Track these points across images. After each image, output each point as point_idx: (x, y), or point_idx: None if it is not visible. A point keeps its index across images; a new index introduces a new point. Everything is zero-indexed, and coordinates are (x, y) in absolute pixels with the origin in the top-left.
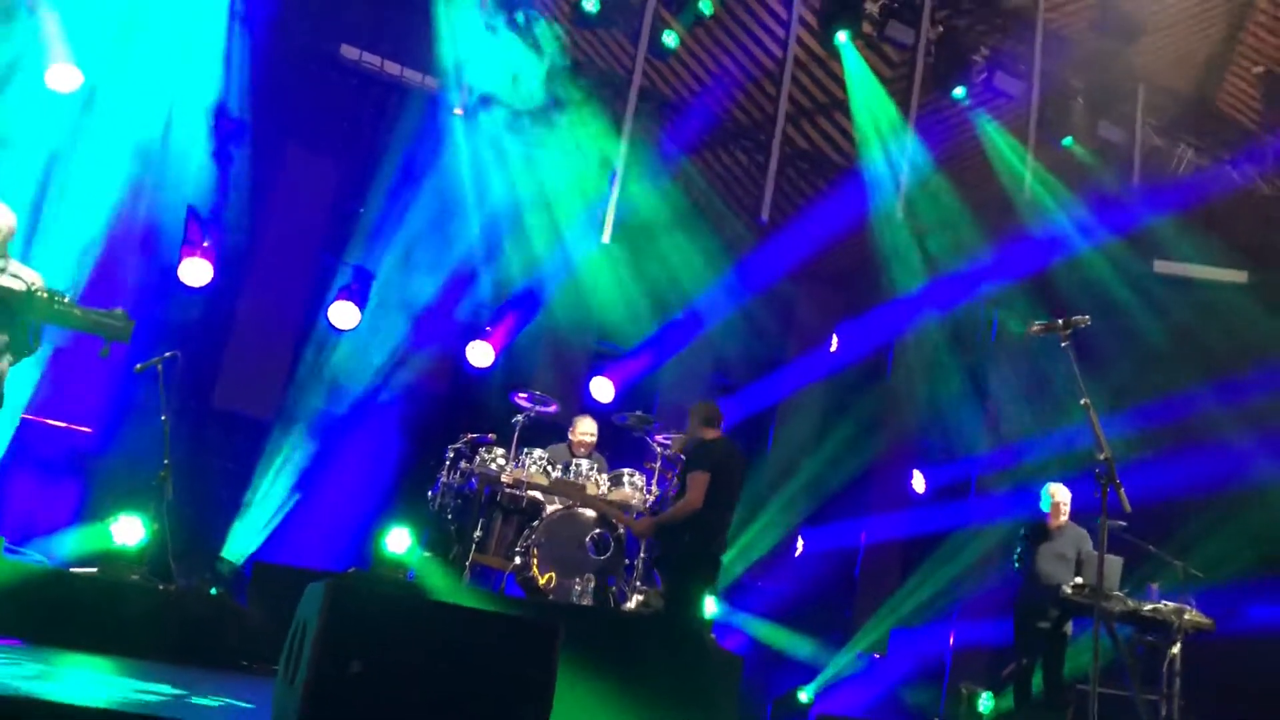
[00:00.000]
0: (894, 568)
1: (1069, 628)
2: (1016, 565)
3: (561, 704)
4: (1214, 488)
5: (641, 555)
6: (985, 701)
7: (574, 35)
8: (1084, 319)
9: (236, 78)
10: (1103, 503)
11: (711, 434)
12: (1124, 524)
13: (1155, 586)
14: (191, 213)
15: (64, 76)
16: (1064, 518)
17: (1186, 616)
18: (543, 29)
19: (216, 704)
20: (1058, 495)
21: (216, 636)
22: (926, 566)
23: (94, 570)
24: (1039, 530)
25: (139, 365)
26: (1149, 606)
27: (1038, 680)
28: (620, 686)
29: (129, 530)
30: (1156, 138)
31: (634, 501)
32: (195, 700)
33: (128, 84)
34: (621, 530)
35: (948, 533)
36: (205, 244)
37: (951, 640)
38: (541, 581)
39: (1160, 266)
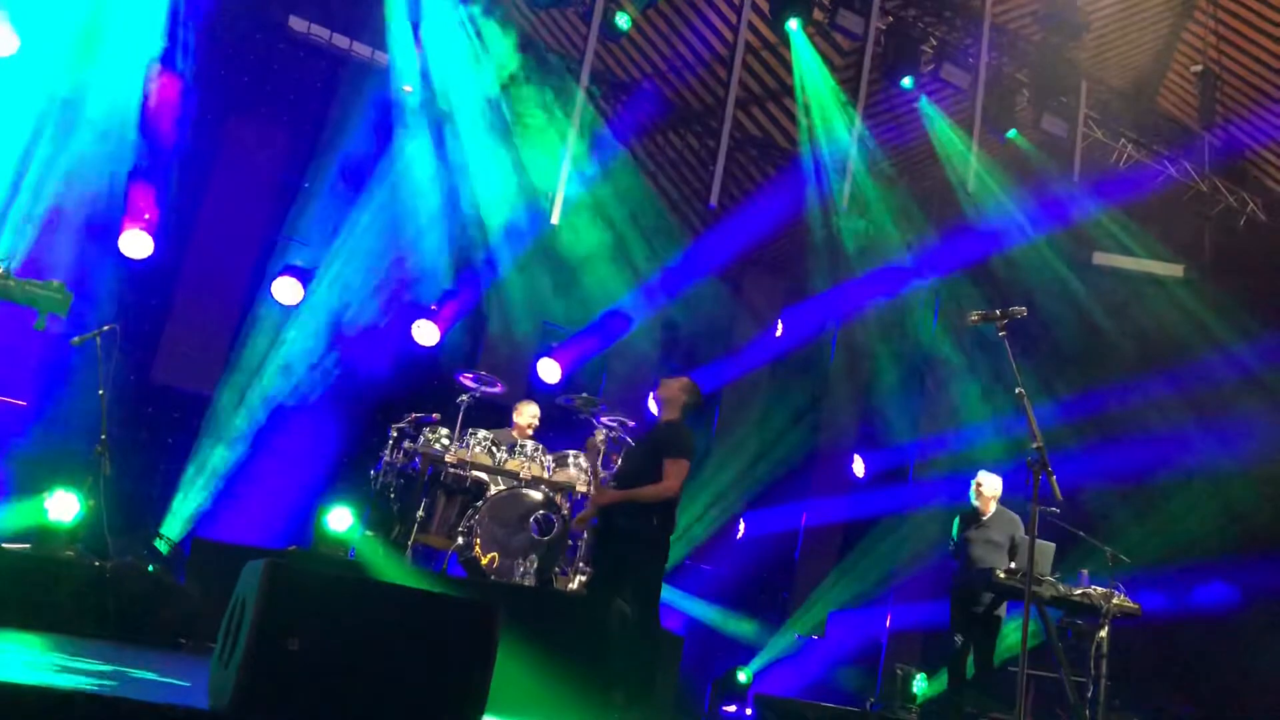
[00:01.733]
0: (832, 551)
1: (1002, 611)
2: (951, 549)
3: (501, 684)
4: (1145, 475)
5: (585, 536)
6: (919, 683)
7: (526, 15)
8: (1021, 310)
9: (181, 38)
10: (1034, 490)
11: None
12: (1055, 510)
13: (1085, 572)
14: (132, 182)
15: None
16: (993, 505)
17: (1114, 601)
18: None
19: (152, 678)
20: (982, 484)
21: (153, 614)
22: (864, 550)
23: (26, 546)
24: (971, 516)
25: (76, 338)
26: (1079, 591)
27: (971, 662)
28: (560, 666)
29: (64, 505)
30: (1098, 132)
31: (579, 484)
32: (131, 676)
33: (64, 46)
34: (566, 509)
35: (885, 517)
36: (146, 216)
37: (888, 622)
38: (484, 562)
39: (1099, 258)
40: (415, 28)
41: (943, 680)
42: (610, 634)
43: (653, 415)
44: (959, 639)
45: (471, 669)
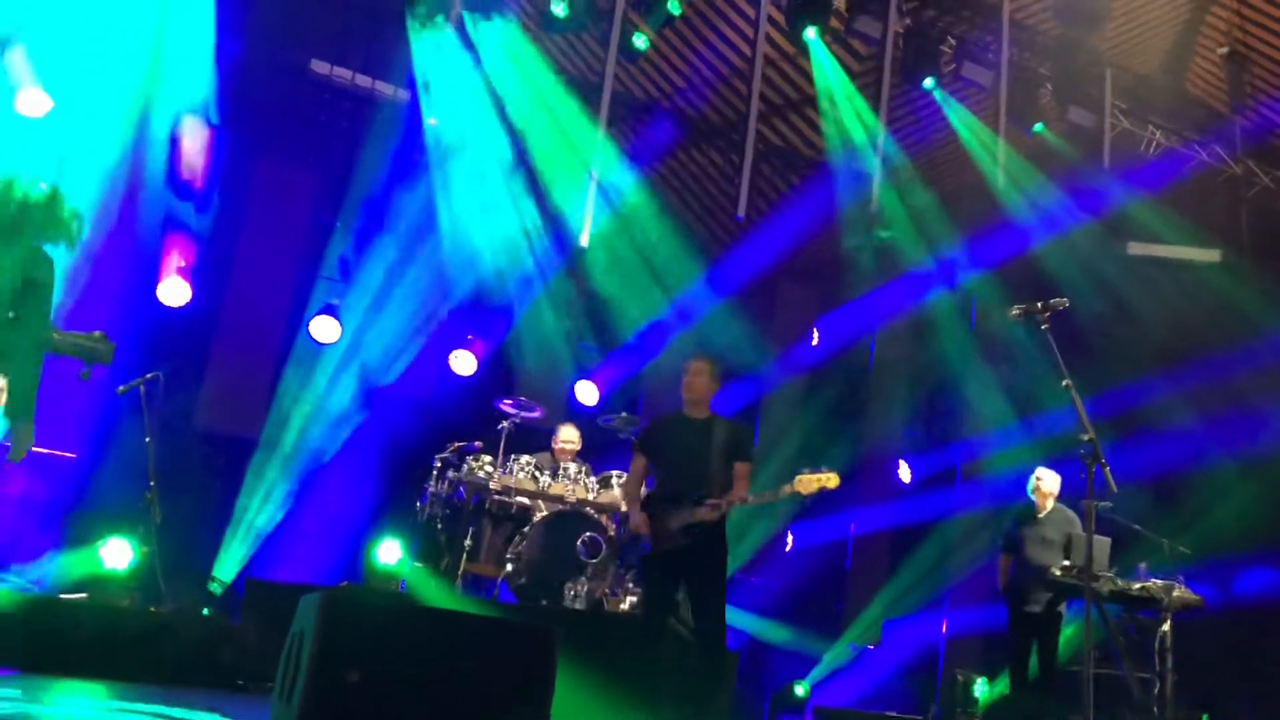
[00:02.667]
0: (884, 558)
1: (1062, 609)
2: (1001, 545)
3: (559, 707)
4: (1198, 465)
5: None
6: (980, 687)
7: (544, 40)
8: (1062, 301)
9: (213, 90)
10: (1088, 483)
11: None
12: (1110, 504)
13: (1143, 566)
14: (167, 231)
15: (33, 101)
16: (1050, 502)
17: (1175, 594)
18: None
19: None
20: (1042, 480)
21: (211, 657)
22: (916, 556)
23: (84, 596)
24: (1026, 515)
25: (121, 387)
26: (1138, 585)
27: (1033, 663)
28: (616, 688)
29: (118, 554)
30: (1126, 121)
31: (623, 504)
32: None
33: (94, 105)
34: (612, 530)
35: (935, 521)
36: (182, 263)
37: (944, 628)
38: (533, 587)
39: (1135, 248)
40: (436, 60)
41: (1004, 683)
42: (667, 652)
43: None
44: (1019, 640)
45: (531, 694)
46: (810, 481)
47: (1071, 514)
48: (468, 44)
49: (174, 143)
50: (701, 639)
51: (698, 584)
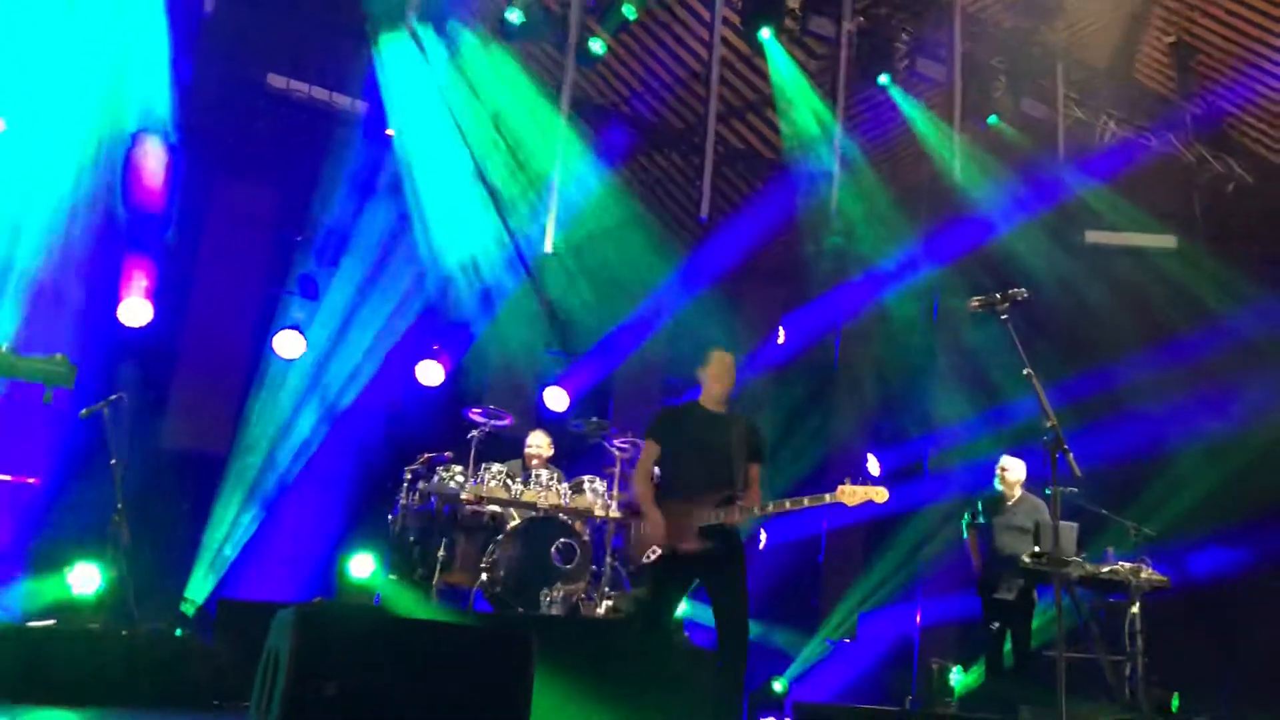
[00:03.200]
0: (857, 552)
1: (1034, 596)
2: (966, 523)
3: (541, 713)
4: (1161, 448)
5: (609, 561)
6: (956, 675)
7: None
8: (1021, 292)
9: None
10: (1053, 470)
11: None
12: (1075, 490)
13: (1110, 549)
14: (128, 251)
15: None
16: (1018, 490)
17: (1142, 575)
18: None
19: None
20: (1007, 470)
21: (186, 678)
22: (888, 548)
23: (52, 622)
24: (995, 503)
25: (84, 410)
26: (1106, 569)
27: (1008, 651)
28: (596, 692)
29: (86, 578)
30: (1079, 111)
31: (596, 508)
32: None
33: (49, 126)
34: (587, 536)
35: (905, 513)
36: (143, 283)
37: (918, 619)
38: (509, 595)
39: (1091, 237)
40: (393, 71)
41: (980, 671)
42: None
43: None
44: (993, 628)
45: (510, 699)
46: (856, 493)
47: (1040, 501)
48: (424, 53)
49: (131, 162)
50: (729, 642)
51: (719, 587)
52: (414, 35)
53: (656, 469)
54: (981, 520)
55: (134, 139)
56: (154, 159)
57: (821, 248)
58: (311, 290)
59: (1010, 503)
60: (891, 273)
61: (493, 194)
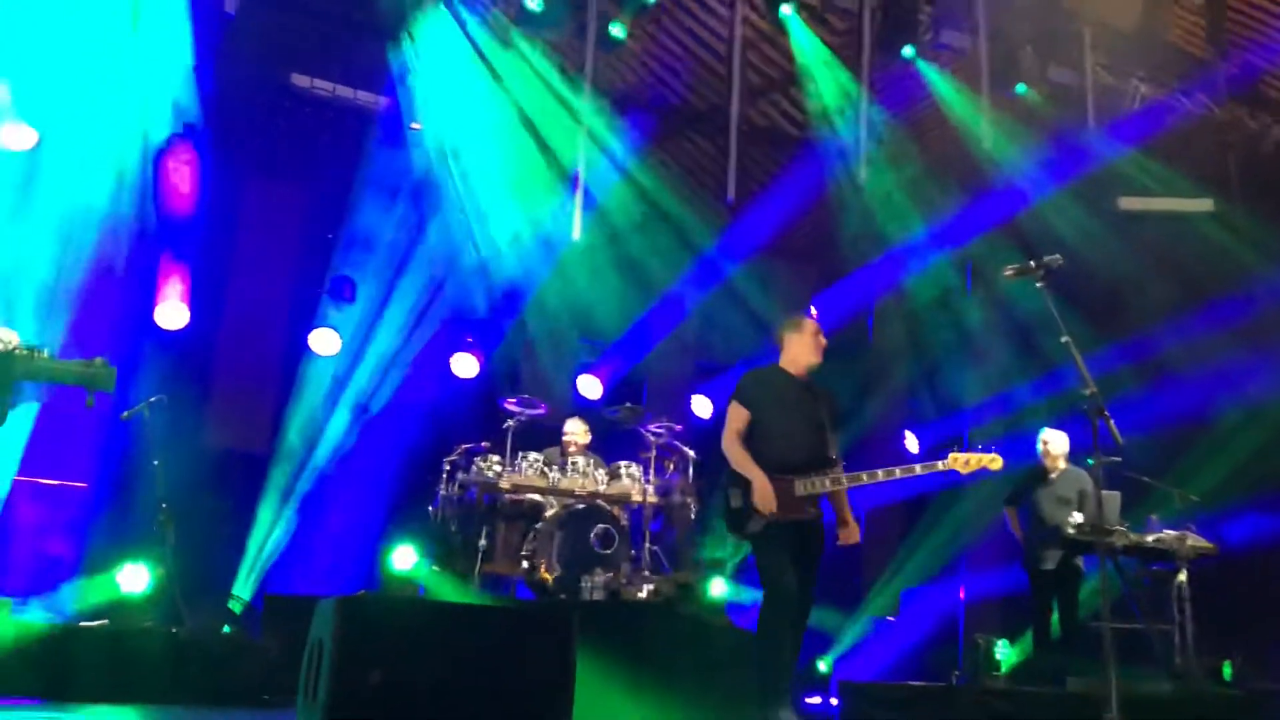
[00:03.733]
0: (897, 529)
1: (1081, 567)
2: (1005, 499)
3: (584, 698)
4: (1204, 413)
5: (648, 546)
6: (1002, 649)
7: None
8: (1056, 259)
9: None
10: (1094, 437)
11: None
12: (1118, 459)
13: (1155, 517)
14: (162, 255)
15: (17, 135)
16: (1061, 463)
17: (1189, 543)
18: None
19: None
20: (1049, 442)
21: (235, 674)
22: (929, 524)
23: (104, 622)
24: (1038, 475)
25: (126, 413)
26: (1151, 537)
27: (1055, 623)
28: (639, 677)
29: (135, 578)
30: (1108, 76)
31: (634, 494)
32: None
33: (80, 135)
34: (625, 521)
35: (946, 489)
36: (179, 286)
37: (962, 594)
38: (551, 582)
39: (1125, 203)
40: (416, 65)
41: (1027, 644)
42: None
43: (699, 419)
44: (1039, 600)
45: (553, 678)
46: (970, 461)
47: (1083, 472)
48: (445, 46)
49: (161, 166)
50: (800, 619)
51: (808, 560)
52: (434, 29)
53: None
54: (1023, 490)
55: (163, 145)
56: (183, 165)
57: (851, 229)
58: (348, 292)
59: (1053, 475)
60: (923, 247)
61: (519, 184)
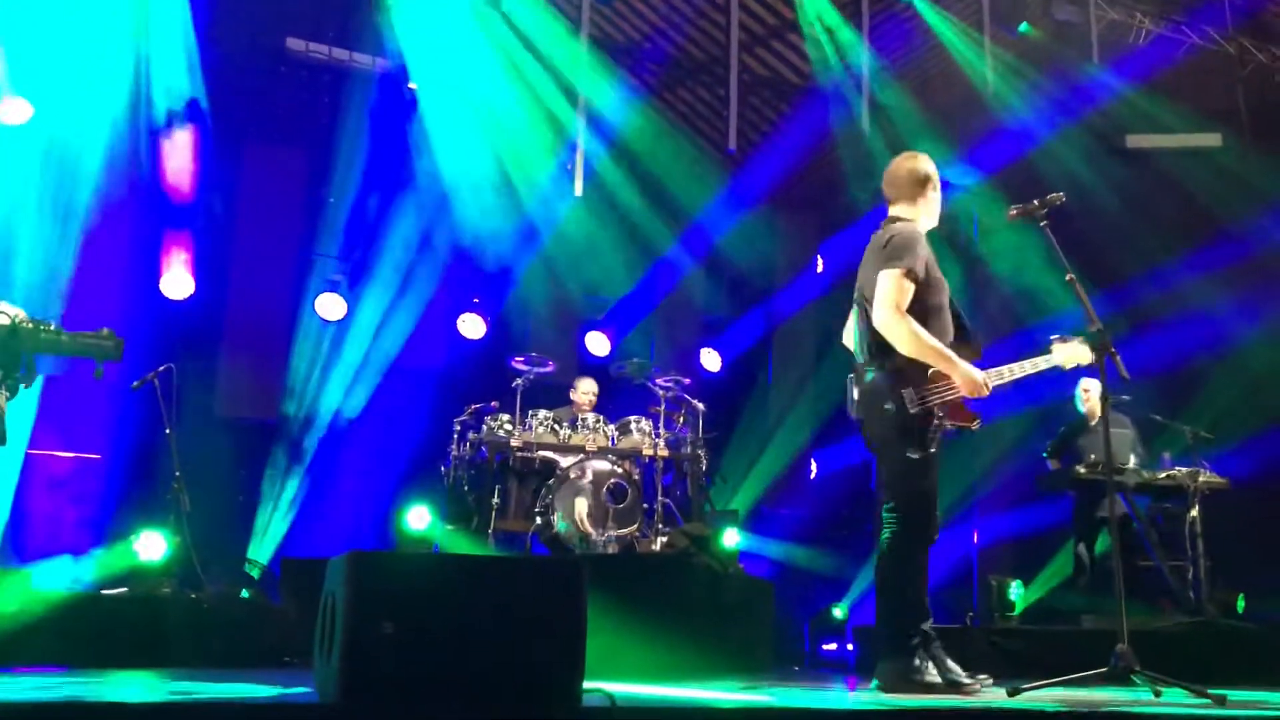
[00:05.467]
0: None
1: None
2: (1046, 455)
3: (598, 647)
4: (1218, 347)
5: (660, 499)
6: (1015, 590)
7: None
8: (1059, 197)
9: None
10: (1101, 374)
11: None
12: (1127, 397)
13: (1167, 454)
14: (165, 225)
15: (14, 110)
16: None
17: (1200, 479)
18: None
19: (272, 693)
20: (1089, 390)
21: (255, 637)
22: (940, 468)
23: (124, 590)
24: (1081, 426)
25: (135, 383)
26: (1163, 474)
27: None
28: (654, 627)
29: (152, 545)
30: (1112, 12)
31: (644, 448)
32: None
33: (78, 108)
34: (637, 475)
35: (955, 434)
36: (183, 256)
37: (975, 537)
38: (564, 537)
39: (1133, 140)
40: (411, 23)
41: (1040, 585)
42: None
43: (707, 372)
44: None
45: (565, 627)
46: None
47: (1123, 416)
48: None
49: (161, 137)
50: None
51: None
52: None
53: None
54: (1068, 441)
55: (163, 115)
56: (183, 132)
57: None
58: (346, 254)
59: (1094, 422)
60: None
61: (519, 140)
